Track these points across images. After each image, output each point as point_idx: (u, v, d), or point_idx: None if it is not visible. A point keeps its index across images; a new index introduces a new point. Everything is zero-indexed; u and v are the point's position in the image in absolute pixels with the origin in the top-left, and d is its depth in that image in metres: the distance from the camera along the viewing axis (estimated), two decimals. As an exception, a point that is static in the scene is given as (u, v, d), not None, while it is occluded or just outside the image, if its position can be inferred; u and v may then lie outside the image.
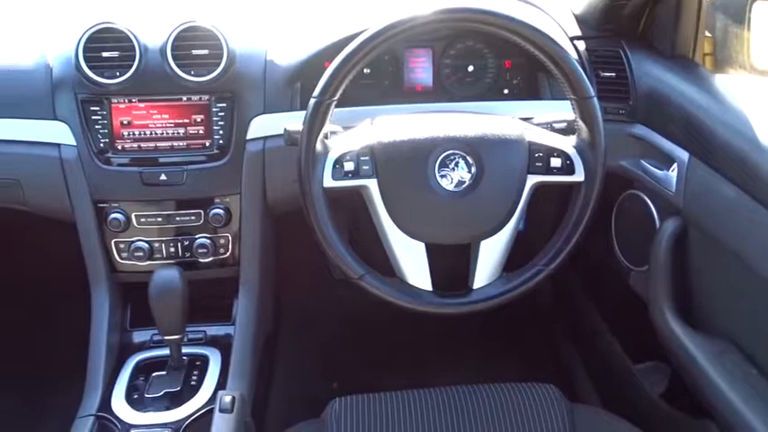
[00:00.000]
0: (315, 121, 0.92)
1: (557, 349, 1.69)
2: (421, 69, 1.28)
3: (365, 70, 1.24)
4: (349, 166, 0.94)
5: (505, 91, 1.29)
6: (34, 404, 1.45)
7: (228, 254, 1.19)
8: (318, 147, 0.94)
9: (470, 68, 1.28)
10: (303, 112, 1.10)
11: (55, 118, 1.11)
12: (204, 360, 1.15)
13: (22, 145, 1.12)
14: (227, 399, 1.00)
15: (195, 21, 1.10)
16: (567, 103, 1.05)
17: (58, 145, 1.12)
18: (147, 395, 1.08)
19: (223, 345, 1.18)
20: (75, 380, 1.13)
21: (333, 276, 1.79)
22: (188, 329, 1.14)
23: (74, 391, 1.12)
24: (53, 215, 1.18)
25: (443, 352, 1.65)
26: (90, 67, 1.08)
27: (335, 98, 0.92)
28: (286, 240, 1.42)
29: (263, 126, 1.15)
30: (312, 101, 0.92)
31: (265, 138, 1.15)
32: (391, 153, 0.95)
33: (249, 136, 1.15)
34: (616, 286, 1.33)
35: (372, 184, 0.95)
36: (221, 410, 0.99)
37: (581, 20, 1.30)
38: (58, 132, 1.11)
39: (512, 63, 1.28)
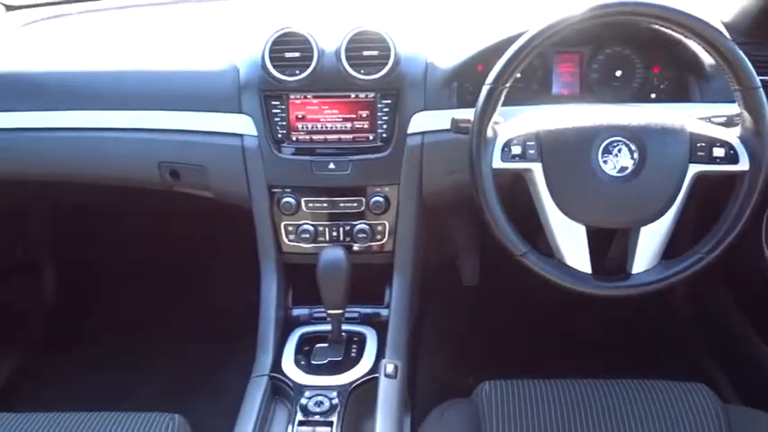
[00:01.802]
0: (488, 107, 1.00)
1: (694, 349, 1.66)
2: (568, 74, 1.33)
3: (517, 74, 1.31)
4: (516, 150, 1.01)
5: (653, 95, 1.32)
6: (211, 366, 1.59)
7: (384, 240, 1.28)
8: (489, 131, 1.02)
9: (618, 73, 1.32)
10: (459, 110, 1.19)
11: (240, 111, 1.25)
12: (361, 337, 1.23)
13: (210, 135, 1.27)
14: (391, 367, 1.08)
15: (367, 25, 1.21)
16: (718, 106, 1.07)
17: (241, 135, 1.25)
18: (313, 362, 1.17)
19: (378, 324, 1.26)
20: (244, 347, 1.24)
21: (462, 282, 1.85)
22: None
23: (244, 357, 1.22)
24: (231, 200, 1.31)
25: (576, 346, 1.67)
26: (274, 66, 1.21)
27: (507, 85, 1.00)
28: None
29: (423, 122, 1.24)
30: (486, 87, 1.00)
31: (424, 132, 1.24)
32: (556, 139, 1.01)
33: (410, 131, 1.24)
34: (765, 288, 1.30)
35: (537, 168, 1.01)
36: (386, 376, 1.07)
37: (730, 27, 1.32)
38: (242, 124, 1.25)
39: (660, 68, 1.31)
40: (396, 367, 1.08)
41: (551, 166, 1.01)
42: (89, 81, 1.31)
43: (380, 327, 1.25)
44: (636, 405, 1.02)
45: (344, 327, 1.24)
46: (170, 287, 1.83)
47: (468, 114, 1.08)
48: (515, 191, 1.10)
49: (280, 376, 1.14)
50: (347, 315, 1.26)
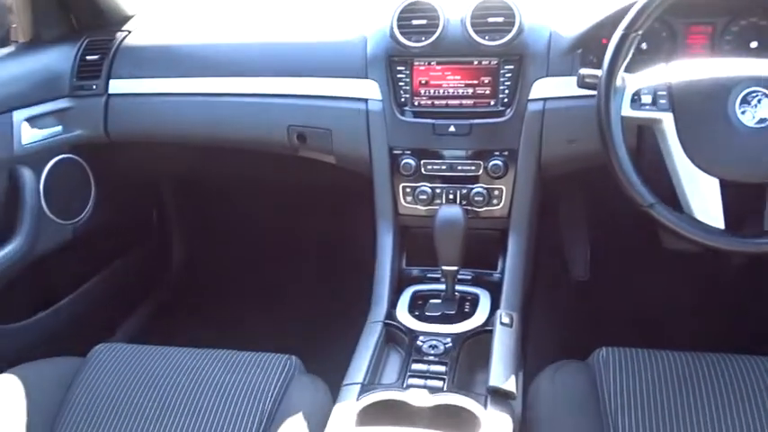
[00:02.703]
0: (620, 53, 1.00)
1: None
2: (699, 46, 1.30)
3: (643, 45, 1.29)
4: (646, 99, 1.00)
5: None
6: (327, 319, 1.66)
7: (501, 205, 1.29)
8: (618, 80, 1.01)
9: (753, 45, 1.27)
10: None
11: (366, 77, 1.31)
12: (475, 297, 1.24)
13: (337, 100, 1.34)
14: (507, 317, 1.08)
15: None
16: None
17: (366, 100, 1.31)
18: (426, 313, 1.19)
19: (491, 285, 1.26)
20: (360, 304, 1.28)
21: (570, 277, 1.82)
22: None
23: (360, 311, 1.26)
24: (352, 164, 1.37)
25: (691, 318, 1.61)
26: (401, 33, 1.26)
27: (640, 32, 1.00)
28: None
29: (545, 88, 1.25)
30: (619, 33, 1.00)
31: (545, 99, 1.25)
32: (690, 88, 0.99)
33: (531, 96, 1.25)
34: None
35: (667, 118, 0.99)
36: (502, 324, 1.06)
37: None
38: (367, 89, 1.31)
39: None
40: (511, 317, 1.07)
41: (683, 116, 0.99)
42: (231, 51, 1.43)
43: (494, 288, 1.25)
44: (760, 382, 0.96)
45: (458, 287, 1.24)
46: (290, 249, 1.93)
47: (595, 71, 1.08)
48: (640, 150, 1.08)
49: (394, 323, 1.17)
50: (460, 277, 1.27)
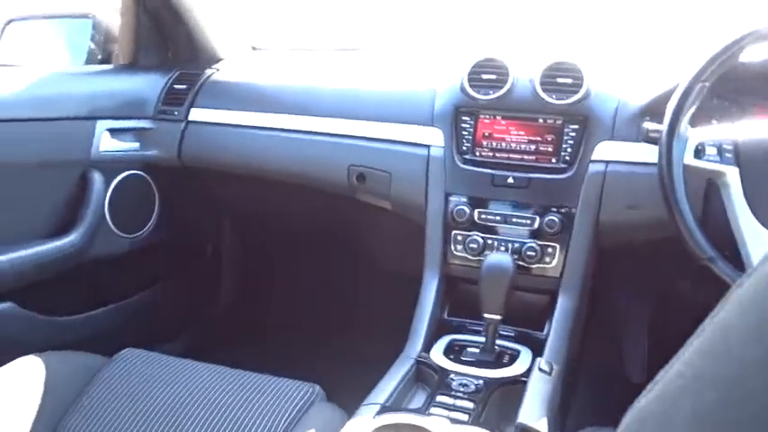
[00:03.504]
0: (685, 101, 0.99)
1: None
2: None
3: (713, 122, 1.27)
4: (711, 150, 0.98)
5: None
6: (361, 357, 1.60)
7: (553, 264, 1.25)
8: (682, 128, 1.00)
9: None
10: (648, 144, 1.18)
11: (432, 125, 1.35)
12: (515, 353, 1.17)
13: (400, 144, 1.37)
14: (547, 365, 1.01)
15: (564, 57, 1.28)
16: None
17: (428, 146, 1.34)
18: (462, 358, 1.13)
19: (534, 343, 1.19)
20: (396, 345, 1.24)
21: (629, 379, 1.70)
22: (500, 327, 1.18)
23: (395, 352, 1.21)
24: (407, 210, 1.37)
25: None
26: (471, 86, 1.30)
27: (707, 84, 0.99)
28: None
29: (608, 151, 1.24)
30: (686, 83, 1.00)
31: (608, 162, 1.24)
32: (757, 146, 0.97)
33: (593, 157, 1.24)
34: None
35: (732, 172, 0.96)
36: (540, 370, 1.00)
37: None
38: (431, 136, 1.34)
39: None
40: (551, 366, 1.00)
41: (749, 172, 0.95)
42: (304, 92, 1.51)
43: (537, 346, 1.18)
44: None
45: (498, 342, 1.18)
46: (333, 291, 1.91)
47: (659, 125, 1.07)
48: (705, 207, 1.04)
49: (425, 360, 1.11)
50: (503, 332, 1.21)
